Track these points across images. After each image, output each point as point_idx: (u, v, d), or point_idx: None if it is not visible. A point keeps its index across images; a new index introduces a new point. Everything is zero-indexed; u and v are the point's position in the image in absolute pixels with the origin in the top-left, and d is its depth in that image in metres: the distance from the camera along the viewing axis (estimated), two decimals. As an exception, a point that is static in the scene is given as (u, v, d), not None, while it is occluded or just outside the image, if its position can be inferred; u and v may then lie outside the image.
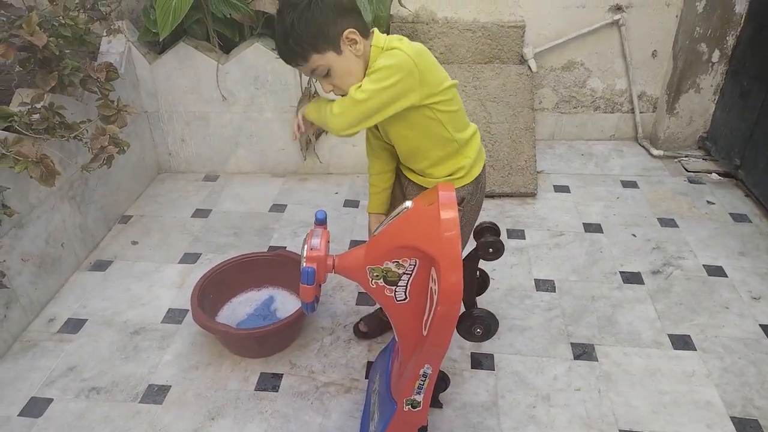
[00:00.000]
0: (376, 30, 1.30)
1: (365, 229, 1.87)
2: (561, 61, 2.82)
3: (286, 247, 2.21)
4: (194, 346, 1.80)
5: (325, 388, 1.66)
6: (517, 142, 2.59)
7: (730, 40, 2.57)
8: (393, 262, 1.16)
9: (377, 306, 1.85)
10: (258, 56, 2.45)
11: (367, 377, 1.68)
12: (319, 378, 1.69)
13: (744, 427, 1.52)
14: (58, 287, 2.05)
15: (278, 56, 1.31)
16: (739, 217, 2.35)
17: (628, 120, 2.96)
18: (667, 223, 2.34)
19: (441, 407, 1.58)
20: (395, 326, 1.27)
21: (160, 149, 2.73)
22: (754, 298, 1.94)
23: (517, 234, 2.29)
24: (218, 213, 2.47)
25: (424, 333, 1.17)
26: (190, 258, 2.19)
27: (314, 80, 1.34)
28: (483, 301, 1.90)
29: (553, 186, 2.62)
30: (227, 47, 2.54)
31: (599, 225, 2.33)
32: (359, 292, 2.00)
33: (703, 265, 2.09)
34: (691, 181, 2.62)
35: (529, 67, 2.72)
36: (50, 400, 1.63)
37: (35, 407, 1.61)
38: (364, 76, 1.27)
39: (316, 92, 2.50)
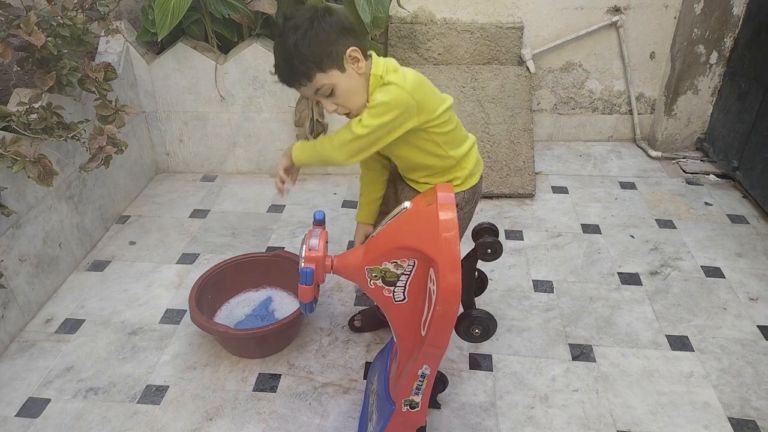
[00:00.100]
0: (374, 54, 1.32)
1: (364, 229, 1.86)
2: (559, 62, 2.83)
3: (284, 248, 2.21)
4: (192, 347, 1.80)
5: (324, 388, 1.66)
6: (516, 143, 2.59)
7: (728, 42, 2.58)
8: (391, 263, 1.16)
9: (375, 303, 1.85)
10: (256, 56, 2.45)
11: (365, 378, 1.68)
12: (317, 379, 1.69)
13: (741, 427, 1.52)
14: (56, 287, 2.04)
15: (278, 79, 1.30)
16: (736, 219, 2.36)
17: (626, 121, 2.97)
18: (665, 224, 2.34)
19: (439, 408, 1.58)
20: (393, 327, 1.27)
21: (158, 149, 2.73)
22: (752, 299, 1.94)
23: (515, 235, 2.29)
24: (216, 213, 2.47)
25: (423, 333, 1.17)
26: (187, 258, 2.19)
27: (314, 103, 1.34)
28: (481, 302, 1.90)
29: (552, 187, 2.62)
30: (226, 47, 2.54)
31: (597, 226, 2.33)
32: (356, 293, 2.00)
33: (701, 266, 2.10)
34: (689, 183, 2.63)
35: (528, 69, 2.73)
36: (48, 401, 1.63)
37: (33, 407, 1.61)
38: (367, 95, 1.28)
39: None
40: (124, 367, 1.73)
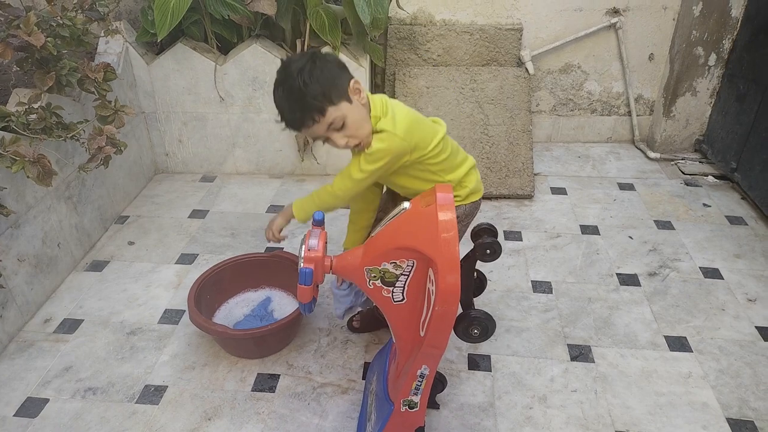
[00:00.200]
0: (368, 94, 1.37)
1: (363, 230, 1.86)
2: (558, 63, 2.83)
3: (283, 248, 2.21)
4: (191, 347, 1.80)
5: (322, 388, 1.66)
6: (515, 144, 2.60)
7: (727, 44, 2.59)
8: (391, 263, 1.16)
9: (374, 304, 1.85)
10: (256, 57, 2.45)
11: (364, 378, 1.68)
12: (316, 379, 1.69)
13: (740, 428, 1.52)
14: (55, 287, 2.04)
15: (287, 125, 1.32)
16: (735, 220, 2.36)
17: (624, 123, 2.97)
18: (664, 225, 2.35)
19: (438, 408, 1.58)
20: (392, 327, 1.27)
21: (158, 150, 2.73)
22: (750, 300, 1.95)
23: (514, 236, 2.30)
24: (215, 214, 2.47)
25: (422, 334, 1.17)
26: (186, 258, 2.19)
27: (322, 143, 1.38)
28: (480, 303, 1.90)
29: (550, 188, 2.62)
30: (225, 48, 2.54)
31: (596, 227, 2.34)
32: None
33: (700, 268, 2.10)
34: (687, 184, 2.63)
35: (527, 70, 2.73)
36: (46, 401, 1.63)
37: (31, 407, 1.61)
38: (371, 124, 1.33)
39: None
40: (123, 367, 1.73)
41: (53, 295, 2.02)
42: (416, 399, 1.28)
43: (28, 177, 1.65)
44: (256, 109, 2.59)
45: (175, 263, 2.17)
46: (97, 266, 2.16)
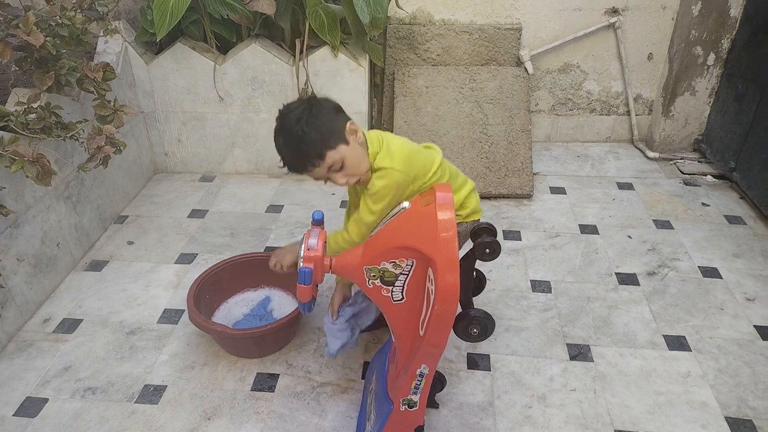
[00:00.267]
0: (365, 131, 1.43)
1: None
2: (557, 63, 2.84)
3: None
4: (190, 347, 1.80)
5: (322, 388, 1.66)
6: (514, 143, 2.60)
7: (726, 44, 2.59)
8: (390, 262, 1.16)
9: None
10: (255, 57, 2.45)
11: (363, 377, 1.68)
12: (315, 378, 1.69)
13: (738, 427, 1.53)
14: (54, 287, 2.04)
15: (290, 170, 1.38)
16: (733, 219, 2.37)
17: (623, 122, 2.98)
18: (663, 224, 2.35)
19: (437, 407, 1.58)
20: (392, 326, 1.27)
21: (157, 149, 2.73)
22: (749, 300, 1.95)
23: (513, 235, 2.30)
24: (214, 213, 2.47)
25: (421, 333, 1.17)
26: (186, 258, 2.19)
27: (323, 183, 1.44)
28: (479, 302, 1.91)
29: (549, 188, 2.62)
30: (224, 48, 2.54)
31: (595, 226, 2.34)
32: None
33: (698, 267, 2.10)
34: (686, 184, 2.64)
35: (526, 70, 2.73)
36: (45, 400, 1.62)
37: (30, 407, 1.61)
38: (369, 160, 1.39)
39: (312, 93, 2.50)
40: (122, 367, 1.73)
41: (52, 294, 2.02)
42: (415, 398, 1.29)
43: (27, 176, 1.65)
44: (255, 109, 2.59)
45: (175, 263, 2.17)
46: (97, 266, 2.16)
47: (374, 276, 1.18)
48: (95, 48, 2.39)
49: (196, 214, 2.47)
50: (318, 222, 1.36)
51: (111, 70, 2.02)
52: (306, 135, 1.30)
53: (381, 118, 2.91)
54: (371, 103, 2.85)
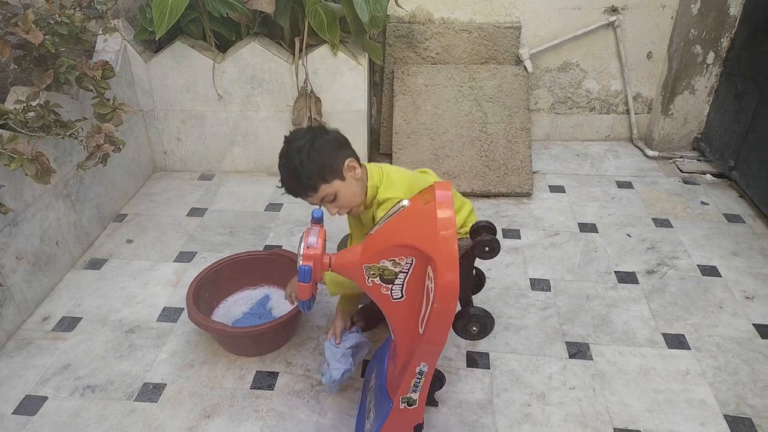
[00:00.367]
0: (365, 165, 1.48)
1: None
2: (557, 62, 2.84)
3: (281, 246, 2.21)
4: (189, 345, 1.80)
5: (321, 386, 1.66)
6: (513, 142, 2.60)
7: (725, 42, 2.59)
8: (389, 261, 1.16)
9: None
10: (254, 55, 2.45)
11: (363, 375, 1.69)
12: (314, 376, 1.69)
13: (737, 425, 1.53)
14: (53, 285, 2.04)
15: (286, 192, 1.45)
16: (733, 218, 2.37)
17: (623, 121, 2.98)
18: (662, 223, 2.35)
19: (436, 405, 1.58)
20: (391, 324, 1.27)
21: (156, 148, 2.73)
22: (748, 298, 1.95)
23: (512, 234, 2.30)
24: (214, 212, 2.47)
25: (421, 331, 1.17)
26: (185, 257, 2.19)
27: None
28: (478, 300, 1.91)
29: (549, 186, 2.63)
30: (224, 46, 2.54)
31: (594, 225, 2.34)
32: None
33: (698, 265, 2.10)
34: (685, 182, 2.64)
35: (525, 68, 2.73)
36: (45, 398, 1.62)
37: (30, 405, 1.61)
38: (364, 195, 1.45)
39: (312, 91, 2.50)
40: (122, 365, 1.73)
41: (52, 293, 2.02)
42: (415, 396, 1.29)
43: (26, 175, 1.65)
44: (254, 107, 2.58)
45: (174, 261, 2.17)
46: (96, 264, 2.16)
47: (374, 274, 1.18)
48: (94, 46, 2.39)
49: (195, 212, 2.47)
50: (317, 220, 1.36)
51: (110, 69, 2.02)
52: (303, 167, 1.36)
53: (380, 116, 2.91)
54: (370, 102, 2.84)
